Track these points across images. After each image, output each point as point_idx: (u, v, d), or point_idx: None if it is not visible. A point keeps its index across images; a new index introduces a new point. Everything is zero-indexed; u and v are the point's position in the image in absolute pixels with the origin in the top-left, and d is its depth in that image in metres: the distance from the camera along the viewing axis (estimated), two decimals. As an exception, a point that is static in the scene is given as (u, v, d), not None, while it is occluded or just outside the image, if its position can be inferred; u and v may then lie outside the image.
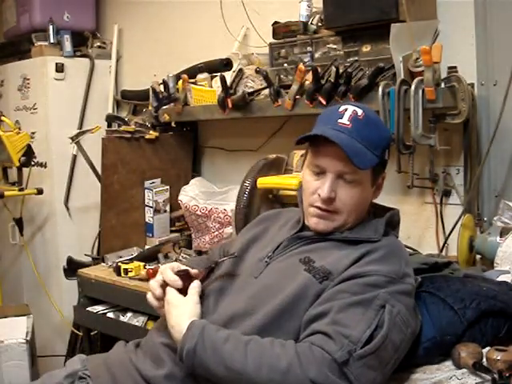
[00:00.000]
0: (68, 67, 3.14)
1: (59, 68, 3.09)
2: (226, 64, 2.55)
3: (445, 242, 2.02)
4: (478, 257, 1.92)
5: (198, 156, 2.92)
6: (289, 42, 2.27)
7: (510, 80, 1.84)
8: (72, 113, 3.17)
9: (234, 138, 2.75)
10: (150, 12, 3.12)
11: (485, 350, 1.28)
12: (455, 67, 1.88)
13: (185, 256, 2.45)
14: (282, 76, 2.30)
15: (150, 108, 2.74)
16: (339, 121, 1.30)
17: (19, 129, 2.93)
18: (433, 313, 1.35)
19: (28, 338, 2.34)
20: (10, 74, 3.29)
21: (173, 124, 2.76)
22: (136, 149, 2.73)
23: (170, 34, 3.02)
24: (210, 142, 2.88)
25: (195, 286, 1.30)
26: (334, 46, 2.13)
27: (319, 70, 2.03)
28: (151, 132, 2.73)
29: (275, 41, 2.32)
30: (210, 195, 2.60)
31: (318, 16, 2.24)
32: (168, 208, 2.73)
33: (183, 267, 1.35)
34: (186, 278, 1.32)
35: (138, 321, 2.32)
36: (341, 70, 1.99)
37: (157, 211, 2.68)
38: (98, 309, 2.46)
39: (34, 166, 2.93)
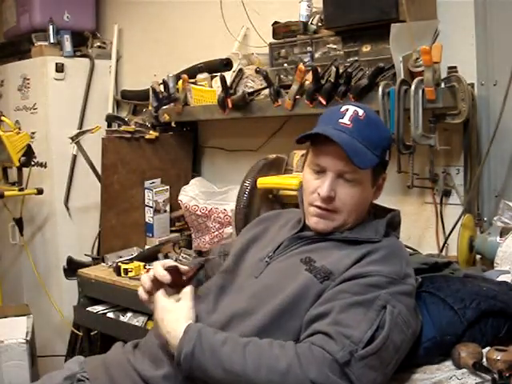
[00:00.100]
0: (68, 67, 3.14)
1: (59, 68, 3.09)
2: (226, 64, 2.55)
3: (445, 242, 2.02)
4: (478, 257, 1.92)
5: (198, 156, 2.92)
6: (289, 42, 2.27)
7: (510, 80, 1.84)
8: (72, 113, 3.17)
9: (233, 138, 2.75)
10: (150, 12, 3.12)
11: (485, 350, 1.28)
12: (455, 67, 1.88)
13: (185, 256, 2.45)
14: (282, 76, 2.30)
15: (149, 108, 2.74)
16: (340, 121, 1.31)
17: (19, 129, 2.93)
18: (433, 313, 1.35)
19: (28, 338, 2.34)
20: (10, 73, 3.29)
21: (173, 124, 2.76)
22: (136, 149, 2.73)
23: (170, 34, 3.02)
24: (210, 142, 2.88)
25: (188, 292, 1.28)
26: (334, 46, 2.13)
27: (319, 69, 2.03)
28: (151, 132, 2.73)
29: (275, 41, 2.32)
30: (210, 195, 2.60)
31: (317, 16, 2.24)
32: (168, 208, 2.73)
33: (174, 263, 1.35)
34: (175, 273, 1.32)
35: (138, 321, 2.32)
36: (341, 70, 1.99)
37: (157, 211, 2.68)
38: (97, 309, 2.47)
39: (34, 165, 2.93)
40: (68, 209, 3.16)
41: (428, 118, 1.89)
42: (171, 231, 2.75)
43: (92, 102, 3.24)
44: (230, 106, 2.34)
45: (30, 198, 3.11)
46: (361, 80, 1.97)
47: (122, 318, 2.39)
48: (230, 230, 2.47)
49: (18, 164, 2.79)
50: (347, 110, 1.32)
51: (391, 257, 1.27)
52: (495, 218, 1.92)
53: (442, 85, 1.86)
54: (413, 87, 1.83)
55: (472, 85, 1.91)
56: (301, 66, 2.06)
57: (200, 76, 2.60)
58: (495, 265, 1.74)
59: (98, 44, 3.30)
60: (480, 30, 1.95)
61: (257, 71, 2.26)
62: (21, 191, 2.89)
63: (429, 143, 1.90)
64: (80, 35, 3.26)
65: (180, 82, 2.56)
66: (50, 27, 3.08)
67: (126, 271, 2.31)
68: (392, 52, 1.88)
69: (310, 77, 2.07)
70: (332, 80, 1.99)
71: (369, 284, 1.18)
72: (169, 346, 1.20)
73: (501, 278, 1.60)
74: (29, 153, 2.82)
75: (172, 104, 2.61)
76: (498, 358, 1.21)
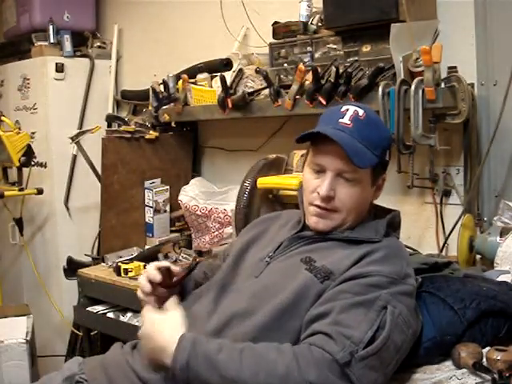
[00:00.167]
0: (68, 67, 3.14)
1: (59, 68, 3.09)
2: (226, 64, 2.55)
3: (445, 242, 2.02)
4: (478, 257, 1.92)
5: (198, 156, 2.92)
6: (289, 42, 2.27)
7: (510, 80, 1.84)
8: (72, 113, 3.17)
9: (234, 138, 2.75)
10: (150, 12, 3.12)
11: (485, 350, 1.28)
12: (455, 67, 1.88)
13: (185, 256, 2.45)
14: (282, 76, 2.30)
15: (150, 108, 2.74)
16: (340, 120, 1.31)
17: (19, 129, 2.93)
18: (433, 313, 1.35)
19: (28, 338, 2.34)
20: (10, 73, 3.29)
21: (173, 124, 2.76)
22: (136, 149, 2.73)
23: (170, 34, 3.02)
24: (210, 142, 2.88)
25: (172, 302, 1.28)
26: (334, 46, 2.13)
27: (319, 69, 2.03)
28: (151, 132, 2.73)
29: (275, 41, 2.32)
30: (210, 195, 2.60)
31: (318, 16, 2.24)
32: (168, 208, 2.73)
33: (167, 265, 1.40)
34: (166, 274, 1.36)
35: (138, 321, 2.32)
36: (341, 70, 1.99)
37: (157, 211, 2.68)
38: (98, 309, 2.47)
39: (34, 165, 2.93)
40: (68, 209, 3.16)
41: (428, 118, 1.89)
42: (171, 231, 2.75)
43: (92, 102, 3.24)
44: (229, 106, 2.34)
45: (30, 198, 3.11)
46: (361, 80, 1.97)
47: (121, 318, 2.39)
48: (229, 229, 2.47)
49: (17, 164, 2.79)
50: (347, 109, 1.32)
51: (391, 257, 1.27)
52: (495, 218, 1.92)
53: (442, 85, 1.86)
54: (413, 87, 1.83)
55: (472, 85, 1.91)
56: (301, 66, 2.06)
57: (200, 76, 2.60)
58: (495, 265, 1.74)
59: (98, 44, 3.30)
60: (480, 30, 1.95)
61: (257, 71, 2.26)
62: (21, 191, 2.89)
63: (429, 143, 1.90)
64: (80, 35, 3.26)
65: (180, 81, 2.56)
66: (50, 27, 3.08)
67: (126, 271, 2.31)
68: (392, 52, 1.88)
69: (310, 77, 2.07)
70: (332, 80, 1.99)
71: (369, 284, 1.18)
72: (161, 360, 1.17)
73: (501, 278, 1.60)
74: (29, 153, 2.82)
75: (172, 104, 2.61)
76: (498, 358, 1.21)
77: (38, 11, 3.10)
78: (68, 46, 3.13)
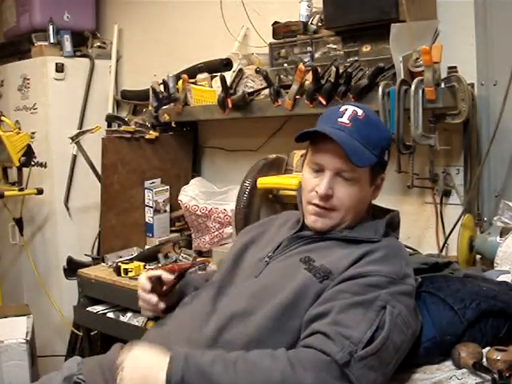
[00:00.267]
0: (68, 67, 3.14)
1: (59, 68, 3.09)
2: (226, 64, 2.55)
3: (445, 242, 2.02)
4: (478, 257, 1.92)
5: (198, 156, 2.92)
6: (289, 42, 2.27)
7: (510, 80, 1.84)
8: (72, 113, 3.17)
9: (234, 138, 2.75)
10: (150, 12, 3.12)
11: (485, 350, 1.28)
12: (455, 67, 1.88)
13: (185, 256, 2.45)
14: (282, 76, 2.30)
15: (150, 108, 2.74)
16: (339, 120, 1.31)
17: (19, 129, 2.93)
18: (433, 313, 1.35)
19: (28, 338, 2.34)
20: (10, 73, 3.29)
21: (173, 124, 2.77)
22: (136, 149, 2.73)
23: (170, 34, 3.02)
24: (210, 142, 2.88)
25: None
26: (334, 46, 2.13)
27: (319, 69, 2.03)
28: (151, 132, 2.73)
29: (275, 41, 2.32)
30: (210, 195, 2.60)
31: (317, 16, 2.24)
32: (168, 208, 2.73)
33: (159, 273, 1.45)
34: (156, 282, 1.42)
35: (138, 321, 2.32)
36: (341, 70, 1.99)
37: (157, 211, 2.68)
38: (98, 309, 2.47)
39: (34, 165, 2.93)
40: (68, 209, 3.16)
41: (428, 118, 1.89)
42: (171, 231, 2.75)
43: (92, 102, 3.24)
44: (229, 106, 2.34)
45: (30, 198, 3.11)
46: (361, 80, 1.97)
47: (121, 318, 2.39)
48: (229, 229, 2.47)
49: (17, 164, 2.79)
50: (346, 109, 1.33)
51: (391, 257, 1.27)
52: (495, 218, 1.92)
53: (442, 85, 1.86)
54: (413, 87, 1.83)
55: (472, 85, 1.91)
56: (301, 66, 2.06)
57: (200, 76, 2.60)
58: (495, 265, 1.74)
59: (98, 44, 3.30)
60: (480, 30, 1.95)
61: (257, 71, 2.26)
62: (21, 191, 2.89)
63: (429, 143, 1.90)
64: (80, 35, 3.26)
65: (180, 82, 2.56)
66: (50, 27, 3.08)
67: (126, 271, 2.31)
68: (392, 52, 1.88)
69: (310, 77, 2.07)
70: (332, 80, 1.99)
71: (368, 284, 1.18)
72: (153, 380, 1.11)
73: (501, 278, 1.60)
74: (29, 153, 2.82)
75: (172, 104, 2.61)
76: (498, 358, 1.21)
77: (38, 11, 3.10)
78: (68, 46, 3.13)
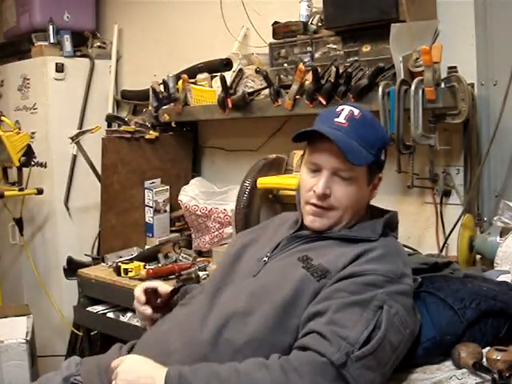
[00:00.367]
0: (68, 67, 3.14)
1: (59, 68, 3.09)
2: (226, 64, 2.55)
3: (445, 242, 2.02)
4: (478, 257, 1.92)
5: (198, 156, 2.92)
6: (289, 42, 2.27)
7: (510, 80, 1.84)
8: (72, 113, 3.17)
9: (234, 138, 2.75)
10: (150, 12, 3.12)
11: (485, 350, 1.28)
12: (455, 67, 1.88)
13: (185, 256, 2.45)
14: (282, 76, 2.30)
15: (150, 108, 2.75)
16: (336, 120, 1.32)
17: (19, 129, 2.93)
18: (433, 313, 1.35)
19: (28, 338, 2.34)
20: (10, 73, 3.29)
21: (173, 124, 2.77)
22: (136, 149, 2.73)
23: (170, 34, 3.02)
24: (210, 142, 2.88)
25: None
26: (334, 46, 2.13)
27: (319, 69, 2.03)
28: (151, 132, 2.73)
29: (275, 41, 2.32)
30: (210, 195, 2.60)
31: (318, 16, 2.24)
32: (168, 208, 2.73)
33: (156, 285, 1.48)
34: (151, 295, 1.46)
35: (138, 321, 2.32)
36: (341, 70, 1.99)
37: (157, 211, 2.68)
38: (98, 309, 2.47)
39: (34, 165, 2.93)
40: (68, 209, 3.16)
41: (428, 117, 1.89)
42: (171, 231, 2.75)
43: (92, 102, 3.24)
44: (229, 106, 2.34)
45: (30, 198, 3.11)
46: (361, 80, 1.97)
47: (122, 318, 2.38)
48: (229, 229, 2.47)
49: (17, 164, 2.79)
50: (343, 109, 1.34)
51: (388, 256, 1.27)
52: (495, 218, 1.92)
53: (442, 85, 1.86)
54: (413, 87, 1.83)
55: (472, 85, 1.91)
56: (301, 66, 2.06)
57: (200, 76, 2.60)
58: (495, 265, 1.74)
59: (98, 44, 3.30)
60: (480, 30, 1.95)
61: (257, 71, 2.26)
62: (21, 191, 2.89)
63: (429, 143, 1.90)
64: (80, 35, 3.26)
65: (180, 81, 2.56)
66: (50, 27, 3.08)
67: (126, 271, 2.30)
68: (392, 52, 1.88)
69: (310, 77, 2.07)
70: (332, 80, 1.99)
71: (365, 283, 1.18)
72: None
73: (501, 278, 1.60)
74: (29, 153, 2.82)
75: (172, 104, 2.61)
76: (498, 358, 1.21)
77: (38, 11, 3.10)
78: (68, 46, 3.13)
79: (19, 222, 3.12)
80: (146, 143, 2.74)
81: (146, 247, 2.63)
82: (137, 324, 2.31)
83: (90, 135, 2.90)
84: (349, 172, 1.30)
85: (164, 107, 2.65)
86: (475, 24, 1.96)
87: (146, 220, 2.70)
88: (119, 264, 2.34)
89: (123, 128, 2.75)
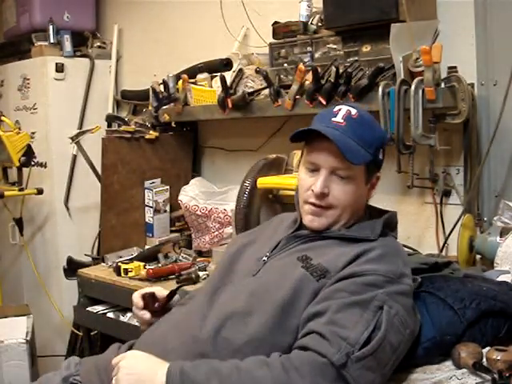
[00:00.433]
0: (68, 67, 3.14)
1: (59, 68, 3.10)
2: (226, 64, 2.55)
3: (445, 242, 2.02)
4: (478, 257, 1.92)
5: (198, 156, 2.92)
6: (289, 42, 2.27)
7: (510, 80, 1.84)
8: (72, 113, 3.17)
9: (234, 138, 2.75)
10: (150, 12, 3.12)
11: (485, 350, 1.28)
12: (455, 67, 1.88)
13: (185, 256, 2.45)
14: (282, 76, 2.30)
15: (150, 108, 2.75)
16: (333, 119, 1.32)
17: (19, 129, 2.93)
18: (433, 313, 1.35)
19: (28, 338, 2.34)
20: (10, 73, 3.30)
21: (173, 124, 2.77)
22: (136, 149, 2.73)
23: (170, 34, 3.02)
24: (210, 142, 2.88)
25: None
26: (334, 46, 2.13)
27: (319, 69, 2.03)
28: (151, 132, 2.73)
29: (275, 41, 2.32)
30: (210, 195, 2.60)
31: (317, 16, 2.24)
32: (168, 208, 2.73)
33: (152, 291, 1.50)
34: (149, 299, 1.48)
35: (138, 321, 2.32)
36: (341, 70, 1.99)
37: (157, 211, 2.68)
38: (98, 309, 2.46)
39: (34, 165, 2.93)
40: (68, 209, 3.16)
41: (428, 117, 1.89)
42: (171, 231, 2.75)
43: (92, 102, 3.24)
44: (229, 106, 2.34)
45: (30, 198, 3.11)
46: (361, 80, 1.97)
47: (122, 318, 2.38)
48: (229, 229, 2.47)
49: (17, 164, 2.79)
50: (340, 109, 1.34)
51: (388, 256, 1.27)
52: (495, 218, 1.92)
53: (442, 85, 1.86)
54: (413, 87, 1.83)
55: (472, 85, 1.91)
56: (301, 66, 2.06)
57: (200, 76, 2.60)
58: (495, 265, 1.74)
59: (98, 44, 3.30)
60: (480, 30, 1.95)
61: (257, 71, 2.26)
62: (21, 191, 2.89)
63: (429, 143, 1.90)
64: (80, 35, 3.26)
65: (180, 81, 2.56)
66: (50, 27, 3.08)
67: (126, 271, 2.30)
68: (392, 52, 1.88)
69: (310, 77, 2.07)
70: (332, 80, 1.99)
71: (365, 283, 1.18)
72: None
73: (501, 278, 1.60)
74: (29, 153, 2.82)
75: (172, 104, 2.61)
76: (498, 358, 1.21)
77: (38, 11, 3.10)
78: (68, 46, 3.13)
79: (19, 222, 3.12)
80: (146, 143, 2.74)
81: (146, 247, 2.63)
82: (137, 324, 2.30)
83: (90, 135, 2.90)
84: (347, 171, 1.30)
85: (164, 107, 2.65)
86: (475, 24, 1.96)
87: (146, 220, 2.70)
88: (119, 264, 2.34)
89: (123, 128, 2.75)
